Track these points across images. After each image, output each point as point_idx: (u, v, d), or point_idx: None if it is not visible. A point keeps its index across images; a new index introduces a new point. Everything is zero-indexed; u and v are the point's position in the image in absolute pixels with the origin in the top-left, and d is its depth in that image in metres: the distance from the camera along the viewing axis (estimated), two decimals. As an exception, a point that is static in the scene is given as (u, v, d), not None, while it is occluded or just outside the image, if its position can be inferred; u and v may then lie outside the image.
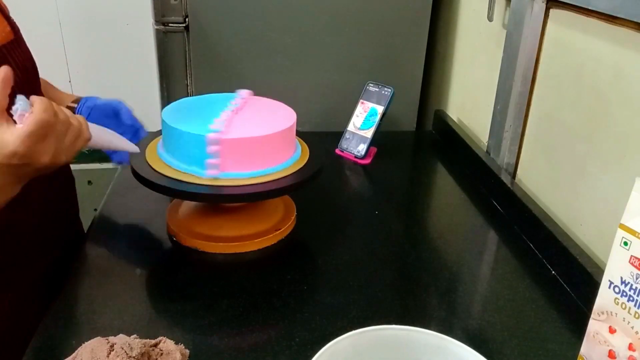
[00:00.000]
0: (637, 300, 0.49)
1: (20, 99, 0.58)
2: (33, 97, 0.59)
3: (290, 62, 1.23)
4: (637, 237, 0.48)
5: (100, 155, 0.84)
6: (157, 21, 1.16)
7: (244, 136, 0.73)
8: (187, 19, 1.16)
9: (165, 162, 0.77)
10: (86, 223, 0.87)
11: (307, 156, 0.82)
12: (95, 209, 0.90)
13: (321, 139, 0.93)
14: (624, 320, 0.50)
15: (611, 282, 0.51)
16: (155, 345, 0.57)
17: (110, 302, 0.69)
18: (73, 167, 0.89)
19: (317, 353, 0.47)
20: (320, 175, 0.80)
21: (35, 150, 0.58)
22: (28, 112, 0.58)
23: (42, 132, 0.58)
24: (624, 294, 0.50)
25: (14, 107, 0.58)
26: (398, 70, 1.27)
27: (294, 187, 0.77)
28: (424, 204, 1.05)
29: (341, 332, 0.49)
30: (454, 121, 1.24)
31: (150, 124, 0.87)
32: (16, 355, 0.62)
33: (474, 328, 0.68)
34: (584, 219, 0.79)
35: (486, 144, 1.07)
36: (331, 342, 0.48)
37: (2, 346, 0.70)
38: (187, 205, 0.87)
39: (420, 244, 0.87)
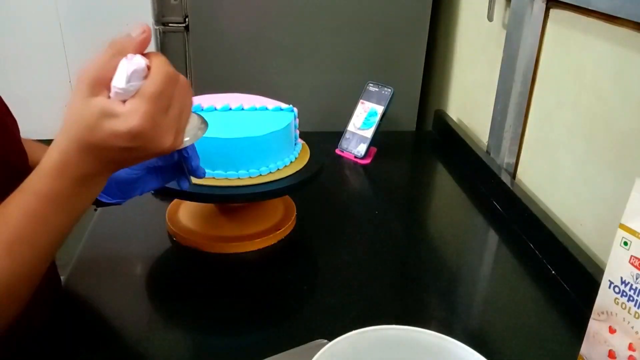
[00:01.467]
0: (637, 300, 0.49)
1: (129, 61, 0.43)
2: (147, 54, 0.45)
3: (290, 62, 1.23)
4: (637, 237, 0.48)
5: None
6: (157, 21, 1.16)
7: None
8: (187, 19, 1.16)
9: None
10: (86, 223, 0.87)
11: (307, 156, 0.82)
12: (96, 209, 0.90)
13: (321, 139, 0.93)
14: (624, 320, 0.50)
15: (611, 282, 0.51)
16: None
17: (110, 302, 0.69)
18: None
19: (317, 353, 0.47)
20: (320, 175, 0.80)
21: (157, 125, 0.44)
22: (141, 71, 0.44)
23: (165, 99, 0.44)
24: (624, 294, 0.50)
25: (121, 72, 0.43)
26: (398, 70, 1.27)
27: (294, 187, 0.77)
28: (424, 204, 1.05)
29: (341, 332, 0.49)
30: (454, 121, 1.24)
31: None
32: (16, 355, 0.62)
33: (474, 328, 0.68)
34: (584, 219, 0.79)
35: (486, 144, 1.07)
36: (331, 342, 0.48)
37: (2, 346, 0.70)
38: (187, 205, 0.87)
39: (420, 244, 0.87)
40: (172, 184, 0.74)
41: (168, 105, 0.45)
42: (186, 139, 0.55)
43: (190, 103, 0.49)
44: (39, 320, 0.65)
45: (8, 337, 0.62)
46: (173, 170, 0.63)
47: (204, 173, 0.63)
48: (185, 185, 0.63)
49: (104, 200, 0.63)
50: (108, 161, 0.47)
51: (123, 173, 0.61)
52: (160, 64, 0.45)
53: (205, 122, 0.58)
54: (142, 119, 0.43)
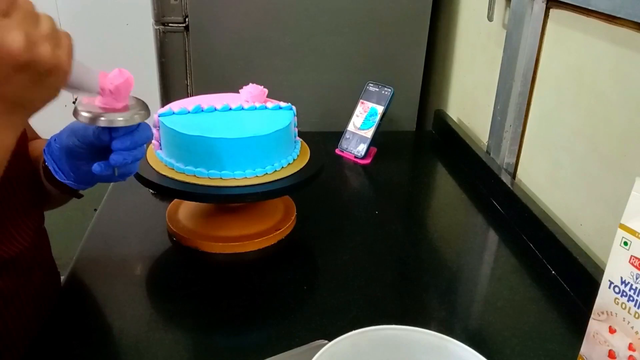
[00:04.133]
0: (637, 300, 0.49)
1: None
2: None
3: (290, 62, 1.23)
4: (637, 237, 0.48)
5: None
6: (157, 21, 1.16)
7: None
8: (187, 19, 1.16)
9: (165, 162, 0.77)
10: (86, 223, 0.87)
11: (308, 156, 0.82)
12: (95, 209, 0.90)
13: (321, 139, 0.93)
14: (624, 320, 0.50)
15: (611, 282, 0.51)
16: None
17: (110, 302, 0.69)
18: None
19: (317, 353, 0.47)
20: (320, 175, 0.80)
21: None
22: None
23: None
24: (624, 294, 0.50)
25: None
26: (398, 70, 1.27)
27: (294, 187, 0.77)
28: (424, 204, 1.05)
29: (341, 332, 0.49)
30: (454, 121, 1.24)
31: (150, 124, 0.87)
32: (16, 355, 0.62)
33: (474, 328, 0.68)
34: (584, 219, 0.79)
35: (486, 144, 1.07)
36: (331, 342, 0.48)
37: (1, 347, 0.70)
38: (187, 205, 0.87)
39: (420, 244, 0.87)
40: (174, 184, 0.74)
41: (5, 10, 0.41)
42: (119, 118, 0.55)
43: (44, 19, 0.45)
44: (36, 321, 0.65)
45: (7, 337, 0.62)
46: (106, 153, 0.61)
47: (123, 162, 0.59)
48: (97, 168, 0.60)
49: (58, 177, 0.64)
50: None
51: (65, 142, 0.61)
52: None
53: (147, 109, 0.58)
54: None
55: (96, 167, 0.60)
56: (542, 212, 0.84)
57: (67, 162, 0.64)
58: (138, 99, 0.59)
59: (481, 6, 1.08)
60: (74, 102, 1.90)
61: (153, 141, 0.81)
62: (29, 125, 0.73)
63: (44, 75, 0.45)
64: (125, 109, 0.57)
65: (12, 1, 0.42)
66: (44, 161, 0.65)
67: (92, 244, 0.81)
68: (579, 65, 0.80)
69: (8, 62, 0.42)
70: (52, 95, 0.48)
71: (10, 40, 0.41)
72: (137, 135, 0.60)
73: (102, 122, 0.55)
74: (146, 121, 0.60)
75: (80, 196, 0.70)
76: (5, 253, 0.60)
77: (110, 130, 0.59)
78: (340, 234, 0.87)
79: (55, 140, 0.64)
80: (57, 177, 0.65)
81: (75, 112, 0.55)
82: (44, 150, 0.65)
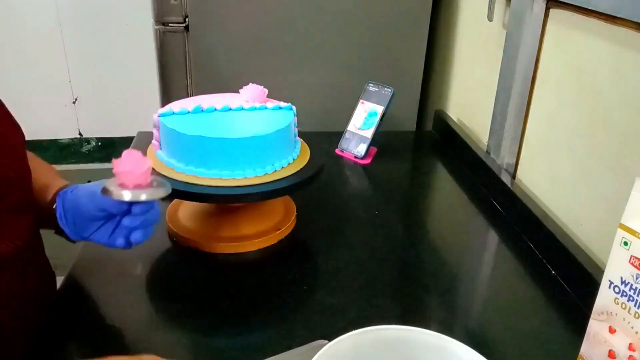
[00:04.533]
0: (637, 300, 0.49)
1: None
2: None
3: (290, 62, 1.22)
4: (637, 237, 0.48)
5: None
6: (157, 21, 1.16)
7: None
8: (187, 19, 1.16)
9: (165, 163, 0.77)
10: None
11: (308, 156, 0.82)
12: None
13: (321, 139, 0.93)
14: (624, 320, 0.50)
15: (611, 282, 0.51)
16: None
17: (110, 302, 0.69)
18: (74, 167, 0.88)
19: (317, 353, 0.47)
20: (320, 176, 0.80)
21: None
22: None
23: None
24: (624, 294, 0.50)
25: None
26: (398, 70, 1.27)
27: (294, 188, 0.77)
28: (424, 204, 1.05)
29: (341, 332, 0.49)
30: (454, 121, 1.24)
31: (150, 124, 0.87)
32: (13, 355, 0.62)
33: (474, 328, 0.68)
34: (584, 219, 0.79)
35: (486, 144, 1.07)
36: (331, 342, 0.48)
37: (1, 347, 0.70)
38: (187, 205, 0.87)
39: (420, 244, 0.87)
40: (174, 184, 0.74)
41: None
42: (142, 195, 0.60)
43: None
44: (33, 320, 0.65)
45: (3, 336, 0.62)
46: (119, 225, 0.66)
47: (138, 241, 0.65)
48: (121, 243, 0.65)
49: (63, 228, 0.68)
50: None
51: (82, 201, 0.65)
52: None
53: (168, 186, 0.63)
54: None
55: (120, 241, 0.65)
56: (542, 212, 0.84)
57: (72, 215, 0.67)
58: (160, 179, 0.64)
59: (481, 6, 1.09)
60: (74, 102, 1.90)
61: (153, 141, 0.81)
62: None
63: None
64: (147, 186, 0.61)
65: None
66: (53, 204, 0.68)
67: (92, 244, 0.81)
68: (579, 65, 0.80)
69: None
70: None
71: None
72: (150, 215, 0.65)
73: (126, 197, 0.59)
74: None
75: (72, 242, 0.71)
76: (2, 252, 0.60)
77: (132, 205, 0.63)
78: (340, 234, 0.87)
79: (72, 191, 0.68)
80: (59, 222, 0.67)
81: (104, 190, 0.60)
82: (59, 195, 0.68)
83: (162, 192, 0.62)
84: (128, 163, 0.60)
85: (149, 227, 0.66)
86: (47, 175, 0.73)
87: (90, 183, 0.68)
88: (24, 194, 0.65)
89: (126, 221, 0.64)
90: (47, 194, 0.69)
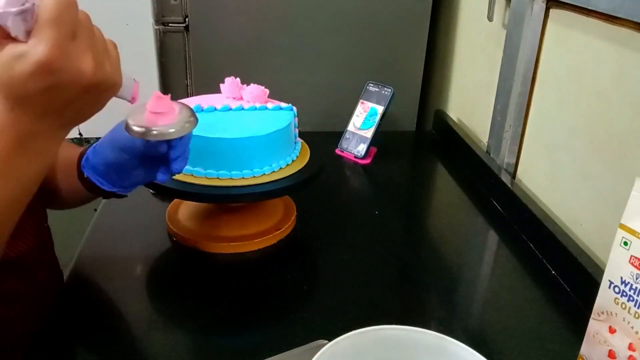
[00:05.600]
0: (637, 300, 0.49)
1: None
2: None
3: (290, 62, 1.22)
4: (637, 237, 0.48)
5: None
6: (157, 21, 1.16)
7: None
8: (187, 19, 1.16)
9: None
10: (86, 223, 0.87)
11: (307, 156, 0.82)
12: (95, 209, 0.90)
13: (321, 139, 0.93)
14: (624, 320, 0.50)
15: (611, 282, 0.51)
16: None
17: (110, 302, 0.69)
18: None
19: (317, 353, 0.47)
20: (320, 175, 0.80)
21: (68, 52, 0.41)
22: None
23: (67, 24, 0.41)
24: (624, 294, 0.50)
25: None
26: (398, 70, 1.27)
27: (294, 187, 0.77)
28: (424, 204, 1.05)
29: (341, 332, 0.49)
30: (454, 121, 1.24)
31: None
32: (15, 355, 0.62)
33: (474, 328, 0.68)
34: (584, 219, 0.79)
35: (486, 144, 1.07)
36: (331, 342, 0.48)
37: (7, 344, 0.70)
38: (187, 205, 0.87)
39: (420, 244, 0.87)
40: (173, 184, 0.74)
41: (73, 31, 0.42)
42: (171, 130, 0.56)
43: (98, 35, 0.46)
44: (40, 319, 0.65)
45: (8, 335, 0.62)
46: (161, 161, 0.63)
47: (183, 168, 0.63)
48: (161, 177, 0.63)
49: (105, 188, 0.65)
50: (41, 113, 0.44)
51: (111, 157, 0.62)
52: None
53: (195, 117, 0.59)
54: (47, 47, 0.40)
55: (161, 176, 0.63)
56: (542, 212, 0.84)
57: (113, 173, 0.64)
58: (184, 105, 0.60)
59: (481, 6, 1.09)
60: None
61: None
62: None
63: (103, 93, 0.47)
64: (173, 118, 0.58)
65: (76, 20, 0.42)
66: (83, 173, 0.65)
67: (93, 244, 0.81)
68: (579, 65, 0.80)
69: (80, 84, 0.43)
70: (100, 108, 0.49)
71: (84, 66, 0.43)
72: (186, 139, 0.62)
73: (154, 136, 0.56)
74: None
75: (124, 196, 0.70)
76: (11, 252, 0.60)
77: (166, 141, 0.60)
78: (340, 234, 0.87)
79: (94, 154, 0.65)
80: (104, 188, 0.65)
81: (127, 128, 0.56)
82: (82, 164, 0.65)
83: (191, 125, 0.58)
84: (159, 106, 0.56)
85: (186, 157, 0.63)
86: (66, 147, 0.70)
87: (107, 135, 0.64)
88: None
89: (172, 154, 0.61)
90: (63, 160, 0.68)
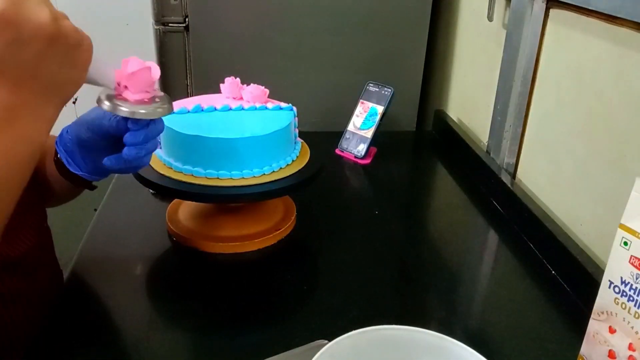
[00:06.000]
0: (637, 300, 0.49)
1: None
2: None
3: (290, 62, 1.22)
4: (637, 237, 0.48)
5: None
6: (157, 21, 1.16)
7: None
8: (187, 19, 1.16)
9: (164, 162, 0.77)
10: (86, 223, 0.87)
11: (307, 156, 0.82)
12: (95, 209, 0.90)
13: (321, 139, 0.93)
14: (624, 320, 0.50)
15: (611, 282, 0.51)
16: None
17: (110, 302, 0.69)
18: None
19: (317, 353, 0.47)
20: (320, 175, 0.80)
21: (20, 3, 0.42)
22: None
23: None
24: (624, 294, 0.50)
25: None
26: (398, 70, 1.27)
27: (294, 187, 0.77)
28: (424, 204, 1.05)
29: (341, 332, 0.49)
30: (454, 121, 1.24)
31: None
32: (15, 355, 0.62)
33: (474, 328, 0.68)
34: (584, 219, 0.79)
35: (486, 144, 1.07)
36: (331, 342, 0.48)
37: (7, 345, 0.70)
38: (187, 205, 0.87)
39: (420, 244, 0.87)
40: (173, 184, 0.74)
41: None
42: (142, 110, 0.54)
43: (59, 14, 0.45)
44: (41, 319, 0.65)
45: (8, 335, 0.62)
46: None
47: (136, 156, 0.58)
48: (107, 161, 0.60)
49: (71, 169, 0.63)
50: (13, 78, 0.43)
51: (81, 134, 0.61)
52: None
53: (170, 103, 0.57)
54: None
55: (106, 161, 0.60)
56: (542, 212, 0.84)
57: (80, 153, 0.63)
58: (163, 94, 0.58)
59: (481, 6, 1.09)
60: (74, 102, 1.90)
61: None
62: None
63: (72, 49, 0.46)
64: (149, 102, 0.55)
65: None
66: (57, 153, 0.65)
67: (92, 244, 0.81)
68: (579, 65, 0.80)
69: (41, 35, 0.43)
70: (80, 77, 0.49)
71: (41, 16, 0.42)
72: (151, 128, 0.58)
73: (123, 112, 0.54)
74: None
75: (93, 188, 0.69)
76: (11, 252, 0.60)
77: (128, 122, 0.57)
78: (340, 234, 0.87)
79: (67, 132, 0.64)
80: (70, 168, 0.64)
81: (99, 100, 0.54)
82: (56, 142, 0.65)
83: (164, 111, 0.55)
84: (132, 68, 0.53)
85: (146, 148, 0.59)
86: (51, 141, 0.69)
87: (82, 115, 0.63)
88: (30, 192, 0.64)
89: (128, 138, 0.57)
90: (49, 153, 0.66)
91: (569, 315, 0.69)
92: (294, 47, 1.21)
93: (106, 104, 0.54)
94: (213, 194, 0.74)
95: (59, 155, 0.64)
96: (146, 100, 0.55)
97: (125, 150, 0.58)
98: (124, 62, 0.54)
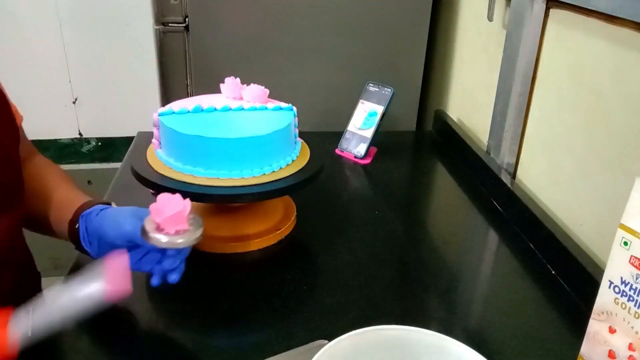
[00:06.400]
0: (637, 300, 0.49)
1: None
2: None
3: (290, 62, 1.23)
4: (637, 237, 0.48)
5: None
6: (157, 21, 1.16)
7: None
8: (187, 19, 1.16)
9: (164, 162, 0.77)
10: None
11: (307, 156, 0.82)
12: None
13: (321, 139, 0.93)
14: (624, 320, 0.50)
15: (611, 282, 0.51)
16: None
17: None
18: (74, 167, 0.88)
19: (317, 353, 0.47)
20: (320, 175, 0.80)
21: None
22: None
23: None
24: (624, 294, 0.50)
25: None
26: (398, 70, 1.27)
27: (294, 187, 0.77)
28: (424, 204, 1.05)
29: (341, 332, 0.49)
30: (454, 121, 1.24)
31: (150, 124, 0.87)
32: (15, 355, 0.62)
33: (474, 328, 0.68)
34: (584, 219, 0.79)
35: (486, 144, 1.07)
36: (331, 342, 0.48)
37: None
38: (187, 205, 0.87)
39: (420, 244, 0.87)
40: (173, 184, 0.74)
41: None
42: (179, 240, 0.58)
43: None
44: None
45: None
46: (153, 260, 0.65)
47: (175, 282, 0.64)
48: (154, 281, 0.65)
49: (85, 247, 0.66)
50: None
51: (109, 238, 0.63)
52: None
53: (202, 227, 0.61)
54: None
55: (155, 281, 0.64)
56: (542, 212, 0.84)
57: (98, 242, 0.65)
58: (193, 216, 0.61)
59: (481, 6, 1.09)
60: (74, 102, 1.90)
61: (153, 140, 0.81)
62: (22, 128, 0.72)
63: None
64: (184, 230, 0.60)
65: None
66: (76, 222, 0.66)
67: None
68: (579, 65, 0.80)
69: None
70: None
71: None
72: (184, 251, 0.63)
73: (162, 244, 0.58)
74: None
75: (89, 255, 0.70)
76: None
77: (167, 250, 0.62)
78: (340, 234, 0.87)
79: (97, 215, 0.65)
80: (83, 245, 0.66)
81: (144, 233, 0.58)
82: (82, 215, 0.66)
83: (198, 235, 0.60)
84: (168, 208, 0.58)
85: (183, 264, 0.64)
86: (66, 188, 0.72)
87: (115, 208, 0.66)
88: (3, 193, 0.64)
89: (167, 264, 0.63)
90: (67, 211, 0.67)
91: (569, 315, 0.69)
92: (294, 47, 1.21)
93: (150, 237, 0.58)
94: (213, 194, 0.74)
95: (77, 226, 0.66)
96: (181, 231, 0.60)
97: (172, 276, 0.63)
98: (159, 198, 0.59)
